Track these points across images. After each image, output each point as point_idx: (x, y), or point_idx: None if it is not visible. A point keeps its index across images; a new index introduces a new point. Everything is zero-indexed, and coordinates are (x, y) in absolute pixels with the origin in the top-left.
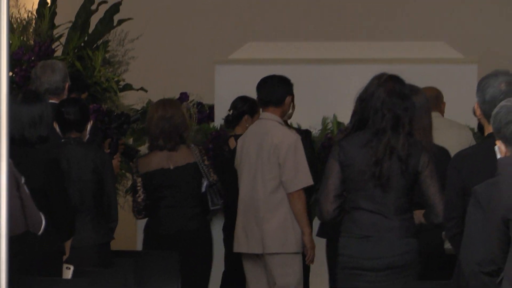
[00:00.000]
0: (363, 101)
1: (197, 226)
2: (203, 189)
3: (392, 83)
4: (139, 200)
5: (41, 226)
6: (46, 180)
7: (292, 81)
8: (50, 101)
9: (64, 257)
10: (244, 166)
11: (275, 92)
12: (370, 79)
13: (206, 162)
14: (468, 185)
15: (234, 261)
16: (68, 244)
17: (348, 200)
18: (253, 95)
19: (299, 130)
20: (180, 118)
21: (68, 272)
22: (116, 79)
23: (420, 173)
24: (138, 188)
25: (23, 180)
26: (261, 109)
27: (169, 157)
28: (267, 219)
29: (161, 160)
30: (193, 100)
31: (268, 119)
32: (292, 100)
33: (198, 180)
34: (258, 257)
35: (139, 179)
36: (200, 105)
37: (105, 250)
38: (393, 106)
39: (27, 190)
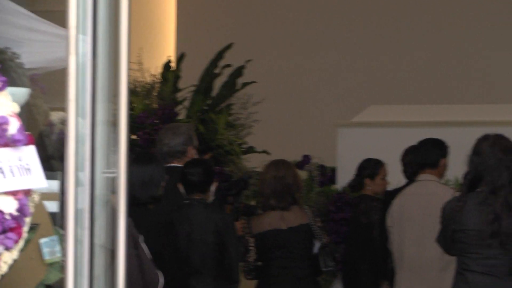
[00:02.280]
0: (477, 161)
1: (308, 287)
2: (315, 250)
3: (504, 142)
4: (251, 260)
5: (158, 285)
6: (162, 242)
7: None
8: (172, 164)
9: None
10: (406, 227)
11: (430, 155)
12: (476, 141)
13: (318, 224)
14: None
15: None
16: None
17: (459, 261)
18: (375, 157)
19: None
20: (292, 179)
21: None
22: (239, 142)
23: None
24: (251, 248)
25: (141, 239)
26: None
27: (282, 217)
28: (442, 278)
29: (274, 221)
30: (315, 163)
31: (428, 180)
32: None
33: (310, 241)
34: None
35: (252, 240)
36: (322, 167)
37: None
38: (510, 163)
39: (145, 249)
